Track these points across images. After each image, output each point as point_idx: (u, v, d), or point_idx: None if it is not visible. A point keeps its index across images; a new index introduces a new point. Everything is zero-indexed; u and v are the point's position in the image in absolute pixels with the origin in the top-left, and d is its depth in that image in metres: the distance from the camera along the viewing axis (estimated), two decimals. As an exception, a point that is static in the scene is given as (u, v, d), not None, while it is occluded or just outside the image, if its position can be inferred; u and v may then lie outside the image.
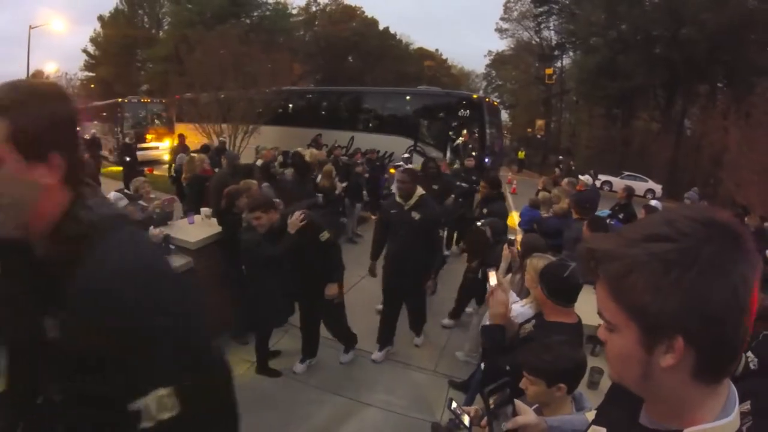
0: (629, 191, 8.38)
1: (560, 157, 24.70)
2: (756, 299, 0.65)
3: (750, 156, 12.82)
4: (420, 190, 4.29)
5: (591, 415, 1.02)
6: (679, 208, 0.70)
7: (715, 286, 0.62)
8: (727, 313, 0.63)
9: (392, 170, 9.41)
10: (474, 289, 4.75)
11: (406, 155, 10.77)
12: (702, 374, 0.67)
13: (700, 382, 0.68)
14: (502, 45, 38.81)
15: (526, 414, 1.27)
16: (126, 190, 5.57)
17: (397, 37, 42.08)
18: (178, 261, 4.14)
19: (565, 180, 9.48)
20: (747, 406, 1.24)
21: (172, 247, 4.34)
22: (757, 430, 0.78)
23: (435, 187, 6.32)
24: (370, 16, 40.86)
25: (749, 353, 2.65)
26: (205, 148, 11.19)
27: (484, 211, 5.72)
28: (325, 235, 3.71)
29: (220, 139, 13.27)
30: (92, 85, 39.72)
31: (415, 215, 4.16)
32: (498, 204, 5.84)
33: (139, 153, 16.13)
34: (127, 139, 14.07)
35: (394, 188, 6.80)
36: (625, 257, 0.67)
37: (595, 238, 0.75)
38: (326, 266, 3.84)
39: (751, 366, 2.63)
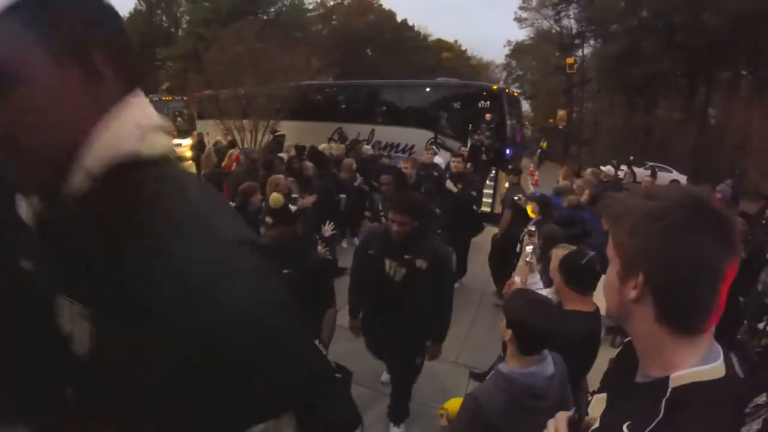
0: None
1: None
2: (727, 272, 0.76)
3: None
4: None
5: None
6: (682, 185, 0.88)
7: (672, 242, 0.76)
8: (679, 267, 0.76)
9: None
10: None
11: (432, 147, 10.66)
12: (665, 319, 0.79)
13: (666, 327, 0.79)
14: (521, 34, 38.28)
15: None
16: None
17: (415, 29, 41.85)
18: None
19: (588, 170, 9.32)
20: (764, 397, 1.29)
21: None
22: None
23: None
24: (387, 8, 40.65)
25: None
26: (232, 145, 11.31)
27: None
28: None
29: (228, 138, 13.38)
30: (113, 85, 40.31)
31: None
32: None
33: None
34: None
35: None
36: (624, 205, 0.85)
37: (622, 194, 0.94)
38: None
39: None
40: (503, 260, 5.83)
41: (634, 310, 0.82)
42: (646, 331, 0.82)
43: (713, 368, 0.77)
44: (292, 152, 9.79)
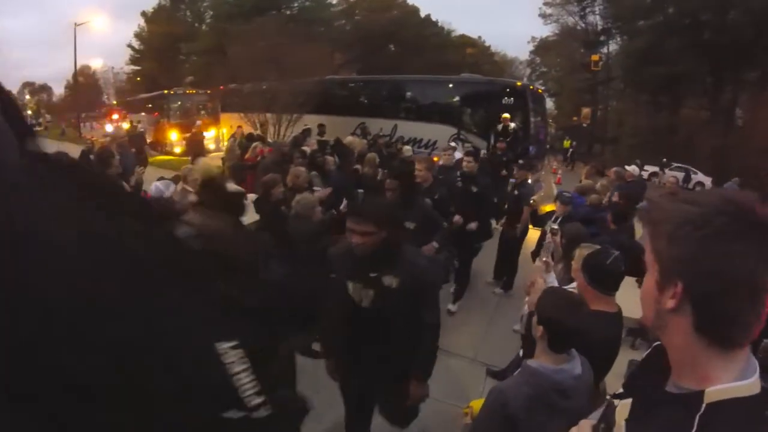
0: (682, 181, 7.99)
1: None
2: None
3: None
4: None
5: None
6: (724, 189, 0.82)
7: (713, 249, 0.72)
8: (719, 278, 0.72)
9: (436, 158, 8.28)
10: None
11: (452, 144, 10.61)
12: (703, 331, 0.76)
13: (703, 339, 0.76)
14: (546, 31, 37.35)
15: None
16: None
17: (439, 24, 41.40)
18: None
19: (612, 170, 9.16)
20: None
21: None
22: None
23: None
24: (410, 3, 40.29)
25: None
26: (250, 137, 11.39)
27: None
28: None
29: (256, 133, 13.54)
30: (138, 79, 41.21)
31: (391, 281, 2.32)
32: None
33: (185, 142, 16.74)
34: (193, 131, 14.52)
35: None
36: (663, 210, 0.82)
37: (661, 196, 0.95)
38: None
39: None
40: (511, 257, 5.86)
41: (671, 319, 0.80)
42: (682, 342, 0.79)
43: (749, 384, 0.74)
44: (314, 146, 9.90)
